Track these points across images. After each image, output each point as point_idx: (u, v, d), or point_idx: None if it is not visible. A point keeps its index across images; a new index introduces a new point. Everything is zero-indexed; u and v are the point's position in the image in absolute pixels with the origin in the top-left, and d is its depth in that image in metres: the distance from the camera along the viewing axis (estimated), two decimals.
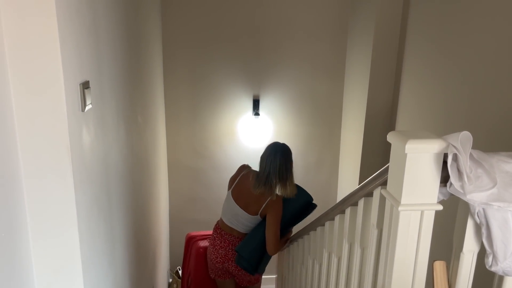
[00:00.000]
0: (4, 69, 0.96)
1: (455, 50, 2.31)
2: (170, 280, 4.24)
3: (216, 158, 3.98)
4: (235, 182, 2.59)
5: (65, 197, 1.09)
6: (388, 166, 1.11)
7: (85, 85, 1.19)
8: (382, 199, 1.21)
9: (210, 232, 2.90)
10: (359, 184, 3.38)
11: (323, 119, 3.97)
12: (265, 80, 3.79)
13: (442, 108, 2.45)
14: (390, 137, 1.04)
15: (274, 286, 3.64)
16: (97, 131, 1.36)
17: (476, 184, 0.96)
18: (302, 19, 3.67)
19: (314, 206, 2.58)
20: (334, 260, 1.79)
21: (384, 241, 1.14)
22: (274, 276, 3.62)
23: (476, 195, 0.96)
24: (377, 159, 3.30)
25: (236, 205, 2.54)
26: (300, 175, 4.09)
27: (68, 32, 1.06)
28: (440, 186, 1.02)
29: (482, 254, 1.08)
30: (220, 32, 3.62)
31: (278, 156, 2.43)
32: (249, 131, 3.89)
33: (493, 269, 1.04)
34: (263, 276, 3.04)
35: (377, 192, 1.26)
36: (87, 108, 1.20)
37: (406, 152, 0.96)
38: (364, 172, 3.37)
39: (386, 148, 3.26)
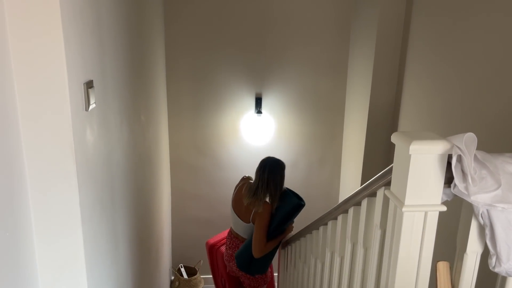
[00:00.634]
0: (9, 69, 0.96)
1: (459, 49, 2.30)
2: (173, 277, 4.25)
3: (219, 156, 3.98)
4: (234, 192, 2.86)
5: (69, 196, 1.09)
6: (391, 167, 1.11)
7: (89, 85, 1.19)
8: (386, 200, 1.21)
9: (225, 235, 3.25)
10: (361, 183, 3.38)
11: (326, 118, 3.96)
12: (268, 78, 3.79)
13: (445, 108, 2.45)
14: (394, 138, 1.04)
15: (276, 283, 3.64)
16: (100, 130, 1.37)
17: (480, 185, 0.96)
18: (305, 18, 3.66)
19: (302, 206, 2.68)
20: (337, 259, 1.79)
21: (387, 242, 1.14)
22: (275, 274, 3.62)
23: (480, 197, 0.96)
24: (379, 159, 3.29)
25: (234, 213, 2.82)
26: (302, 174, 4.09)
27: (72, 32, 1.06)
28: (444, 187, 1.01)
29: (485, 255, 1.08)
30: (223, 30, 3.62)
31: (266, 171, 2.64)
32: (252, 129, 3.89)
33: (496, 270, 1.04)
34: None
35: (380, 193, 1.26)
36: (90, 107, 1.21)
37: (410, 153, 0.96)
38: (366, 171, 3.36)
39: (389, 147, 3.25)
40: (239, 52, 3.69)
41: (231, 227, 2.97)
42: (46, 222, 1.08)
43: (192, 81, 3.75)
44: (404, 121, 3.04)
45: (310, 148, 4.04)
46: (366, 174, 3.37)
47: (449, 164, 0.99)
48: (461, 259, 1.11)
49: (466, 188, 0.96)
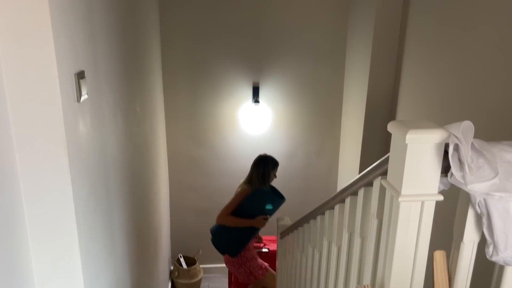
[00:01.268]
0: None
1: (458, 38, 2.28)
2: (172, 268, 4.27)
3: (216, 146, 3.97)
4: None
5: (62, 189, 1.08)
6: (388, 156, 1.10)
7: (80, 75, 1.17)
8: (382, 189, 1.20)
9: None
10: (359, 172, 3.38)
11: (323, 107, 3.95)
12: (265, 67, 3.76)
13: (443, 96, 2.43)
14: (391, 127, 1.02)
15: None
16: (93, 122, 1.35)
17: (478, 174, 0.95)
18: (303, 6, 3.62)
19: (277, 199, 3.11)
20: (334, 249, 1.78)
21: (384, 231, 1.13)
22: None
23: (477, 186, 0.95)
24: (377, 147, 3.29)
25: None
26: (301, 164, 4.09)
27: (61, 22, 1.04)
28: (440, 176, 1.00)
29: (482, 244, 1.07)
30: (219, 18, 3.58)
31: (255, 164, 3.11)
32: (249, 118, 3.87)
33: (493, 259, 1.03)
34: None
35: (377, 182, 1.25)
36: (82, 98, 1.19)
37: (406, 142, 0.95)
38: (364, 160, 3.36)
39: (387, 136, 3.24)
40: (236, 40, 3.66)
41: None
42: (39, 215, 1.07)
43: (188, 71, 3.72)
44: (402, 109, 3.02)
45: (308, 137, 4.02)
46: (364, 163, 3.36)
47: (446, 153, 0.98)
48: (458, 248, 1.10)
49: (463, 177, 0.95)
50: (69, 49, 1.11)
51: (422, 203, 1.02)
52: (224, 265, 3.35)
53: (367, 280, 1.37)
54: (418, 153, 0.96)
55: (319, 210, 2.02)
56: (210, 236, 3.18)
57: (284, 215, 3.37)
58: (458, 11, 2.26)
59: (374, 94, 3.16)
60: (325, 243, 1.93)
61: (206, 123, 3.89)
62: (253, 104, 3.82)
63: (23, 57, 0.96)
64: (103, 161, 1.48)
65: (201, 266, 4.22)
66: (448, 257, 1.13)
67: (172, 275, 4.16)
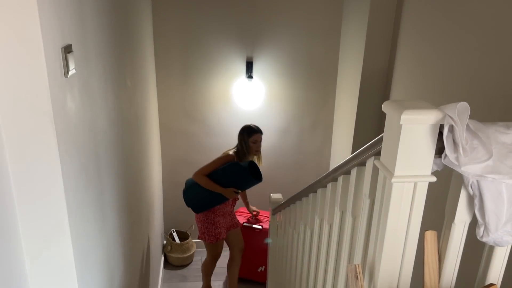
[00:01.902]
0: None
1: (454, 15, 2.24)
2: (165, 242, 4.30)
3: (209, 121, 3.94)
4: None
5: (51, 166, 1.06)
6: (382, 136, 1.08)
7: (68, 49, 1.13)
8: (375, 170, 1.20)
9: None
10: (352, 151, 3.38)
11: (318, 83, 3.91)
12: (259, 41, 3.69)
13: (438, 74, 2.41)
14: (386, 107, 1.01)
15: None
16: (82, 97, 1.32)
17: (472, 156, 0.94)
18: None
19: (256, 182, 3.12)
20: (326, 227, 1.80)
21: (376, 211, 1.13)
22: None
23: (470, 167, 0.94)
24: (371, 125, 3.28)
25: None
26: (294, 141, 4.08)
27: None
28: (434, 157, 0.99)
29: (473, 225, 1.08)
30: None
31: (239, 134, 3.20)
32: (242, 94, 3.83)
33: (484, 239, 1.04)
34: None
35: (370, 162, 1.24)
36: (70, 73, 1.15)
37: (401, 123, 0.93)
38: (358, 138, 3.35)
39: (381, 113, 3.23)
40: (230, 14, 3.58)
41: None
42: (28, 193, 1.05)
43: (181, 44, 3.65)
44: (397, 88, 3.00)
45: (302, 113, 4.00)
46: (357, 141, 3.36)
47: (440, 134, 0.97)
48: (449, 228, 1.11)
49: (457, 159, 0.94)
50: (55, 22, 1.06)
51: (415, 184, 1.01)
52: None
53: (358, 259, 1.38)
54: (413, 134, 0.95)
55: (312, 188, 2.02)
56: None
57: (276, 192, 3.39)
58: None
59: (369, 71, 3.12)
60: (317, 221, 1.94)
61: (199, 98, 3.85)
62: (247, 80, 3.77)
63: (5, 31, 0.92)
64: (94, 137, 1.45)
65: (193, 240, 4.26)
66: (439, 237, 1.13)
67: (165, 250, 4.20)
